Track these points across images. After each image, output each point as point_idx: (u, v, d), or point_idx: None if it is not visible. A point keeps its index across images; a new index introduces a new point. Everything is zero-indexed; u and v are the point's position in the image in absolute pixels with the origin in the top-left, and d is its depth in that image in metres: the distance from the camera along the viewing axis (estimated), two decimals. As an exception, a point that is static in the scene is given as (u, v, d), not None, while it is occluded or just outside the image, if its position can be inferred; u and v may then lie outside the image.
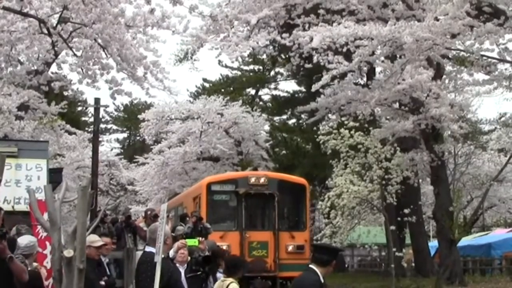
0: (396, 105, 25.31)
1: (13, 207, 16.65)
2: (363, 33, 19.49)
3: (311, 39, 20.24)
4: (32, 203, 9.07)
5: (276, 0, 22.33)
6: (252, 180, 22.37)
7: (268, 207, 22.60)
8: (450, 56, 22.51)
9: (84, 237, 8.08)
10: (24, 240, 9.94)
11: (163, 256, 9.50)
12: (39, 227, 11.35)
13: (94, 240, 11.26)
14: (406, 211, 27.03)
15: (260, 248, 21.76)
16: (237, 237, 21.60)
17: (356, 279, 34.58)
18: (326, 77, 22.40)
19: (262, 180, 22.45)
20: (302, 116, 47.75)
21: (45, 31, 15.97)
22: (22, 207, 15.53)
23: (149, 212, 20.98)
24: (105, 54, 17.36)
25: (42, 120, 24.26)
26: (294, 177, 24.81)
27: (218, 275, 12.33)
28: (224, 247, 19.79)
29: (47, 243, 10.83)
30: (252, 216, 22.94)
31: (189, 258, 12.71)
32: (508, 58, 21.98)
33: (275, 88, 56.95)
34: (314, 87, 24.17)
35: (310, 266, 8.38)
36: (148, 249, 9.97)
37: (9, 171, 16.96)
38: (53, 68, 18.55)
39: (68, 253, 7.94)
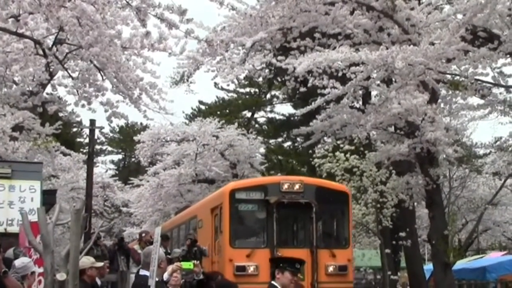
0: (392, 129, 25.32)
1: (5, 229, 16.63)
2: (353, 58, 19.54)
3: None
4: (25, 225, 9.04)
5: (272, 23, 22.34)
6: (285, 186, 19.08)
7: (304, 219, 19.44)
8: (445, 80, 22.53)
9: (77, 261, 8.05)
10: (18, 261, 9.94)
11: (157, 279, 9.47)
12: (32, 249, 11.33)
13: (94, 261, 11.30)
14: (402, 234, 26.99)
15: None
16: (266, 256, 17.75)
17: (350, 302, 34.42)
18: (318, 102, 22.41)
19: (297, 186, 19.15)
20: (298, 139, 47.83)
21: (41, 52, 15.98)
22: (15, 229, 15.51)
23: (143, 235, 20.93)
24: (101, 76, 17.38)
25: (37, 141, 24.20)
26: (334, 183, 21.72)
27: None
28: (252, 268, 18.10)
29: (37, 266, 10.79)
30: (285, 230, 19.79)
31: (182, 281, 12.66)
32: (502, 83, 22.05)
33: (271, 111, 57.22)
34: (301, 111, 24.16)
35: (272, 282, 8.52)
36: (142, 272, 9.97)
37: (3, 192, 16.97)
38: (48, 89, 18.58)
39: (61, 276, 7.91)
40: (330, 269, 18.79)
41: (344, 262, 19.14)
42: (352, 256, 20.40)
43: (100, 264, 11.71)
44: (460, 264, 30.19)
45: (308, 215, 19.14)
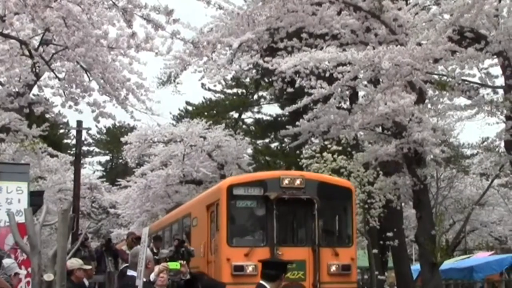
0: (379, 129, 25.37)
1: (-8, 230, 16.51)
2: (339, 58, 19.58)
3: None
4: (12, 227, 9.01)
5: (259, 24, 22.33)
6: (286, 181, 18.16)
7: (305, 216, 18.49)
8: (432, 81, 22.58)
9: (64, 261, 8.02)
10: (4, 262, 9.95)
11: (144, 280, 9.45)
12: (19, 250, 11.31)
13: (83, 262, 11.33)
14: (389, 234, 27.05)
15: (296, 269, 17.34)
16: (266, 255, 16.86)
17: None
18: (304, 101, 22.44)
19: (297, 182, 18.25)
20: (285, 139, 47.86)
21: (27, 53, 15.90)
22: (2, 230, 15.40)
23: (130, 236, 20.92)
24: (88, 77, 17.31)
25: (24, 143, 24.11)
26: (337, 178, 20.93)
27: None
28: (250, 268, 17.14)
29: (23, 267, 10.77)
30: (286, 228, 18.74)
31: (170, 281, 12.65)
32: (489, 83, 22.12)
33: (258, 112, 57.28)
34: (287, 109, 24.22)
35: (261, 282, 8.48)
36: (130, 272, 9.93)
37: (-11, 193, 16.86)
38: (35, 90, 18.50)
39: (48, 277, 7.88)
40: (333, 268, 17.97)
41: (348, 261, 18.28)
42: (356, 255, 19.36)
43: (89, 266, 11.74)
44: (447, 264, 30.29)
45: (309, 212, 18.30)
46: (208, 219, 19.23)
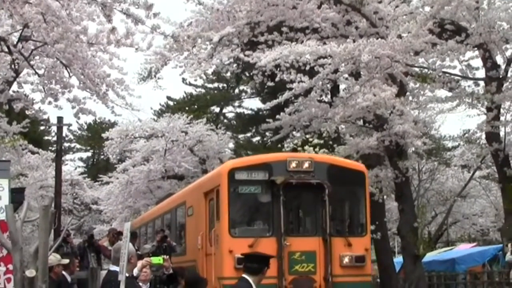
0: (360, 122, 25.40)
1: (-27, 228, 16.40)
2: (319, 52, 19.60)
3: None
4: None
5: (240, 18, 22.33)
6: (293, 164, 16.40)
7: (315, 203, 16.69)
8: (413, 73, 22.65)
9: (46, 257, 7.98)
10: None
11: (127, 275, 9.41)
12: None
13: (60, 258, 11.27)
14: (371, 227, 27.11)
15: (305, 261, 15.98)
16: (273, 246, 15.59)
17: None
18: (286, 95, 22.42)
19: (306, 165, 16.48)
20: (267, 133, 47.85)
21: (6, 49, 15.81)
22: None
23: (111, 232, 20.91)
24: (68, 73, 17.23)
25: (4, 140, 24.00)
26: (348, 161, 18.95)
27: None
28: None
29: (3, 264, 10.71)
30: (294, 216, 17.43)
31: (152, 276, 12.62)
32: (470, 75, 22.22)
33: (240, 106, 57.27)
34: (269, 105, 24.21)
35: (243, 276, 8.50)
36: (113, 268, 9.89)
37: (-30, 191, 16.74)
38: (14, 87, 18.39)
39: (30, 273, 7.84)
40: (346, 260, 16.31)
41: (361, 252, 16.57)
42: (370, 244, 17.77)
43: (67, 260, 11.65)
44: (430, 256, 30.44)
45: (319, 198, 16.52)
46: (206, 208, 17.58)
